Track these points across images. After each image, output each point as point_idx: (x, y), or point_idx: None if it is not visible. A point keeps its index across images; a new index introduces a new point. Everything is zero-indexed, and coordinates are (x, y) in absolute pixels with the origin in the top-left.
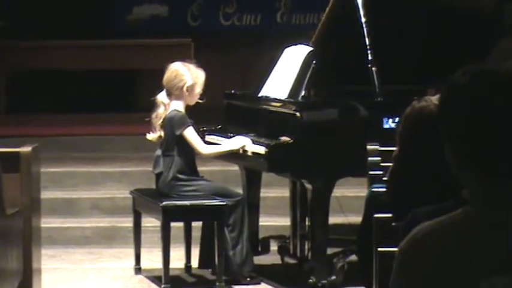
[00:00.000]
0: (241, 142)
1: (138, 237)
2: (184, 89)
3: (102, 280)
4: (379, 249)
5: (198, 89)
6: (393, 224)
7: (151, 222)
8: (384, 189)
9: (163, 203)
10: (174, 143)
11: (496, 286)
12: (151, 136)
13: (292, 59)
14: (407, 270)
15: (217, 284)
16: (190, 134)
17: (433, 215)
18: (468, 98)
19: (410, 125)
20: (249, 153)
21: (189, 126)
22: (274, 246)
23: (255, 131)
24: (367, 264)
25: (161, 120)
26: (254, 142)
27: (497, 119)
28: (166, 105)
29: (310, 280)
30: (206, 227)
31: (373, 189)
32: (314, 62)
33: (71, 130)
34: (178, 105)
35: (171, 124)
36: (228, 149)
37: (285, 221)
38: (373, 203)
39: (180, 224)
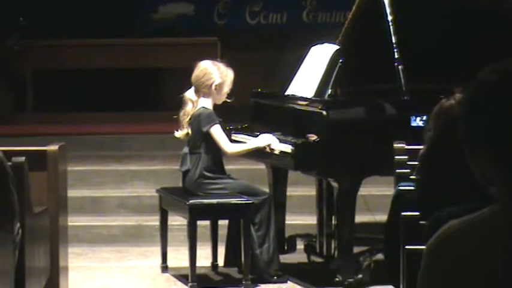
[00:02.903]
0: (267, 140)
1: (165, 236)
2: (213, 87)
3: (129, 278)
4: (407, 247)
5: (226, 88)
6: (420, 222)
7: (177, 221)
8: (411, 188)
9: (190, 201)
10: (201, 140)
11: None
12: (179, 134)
13: (319, 58)
14: (436, 267)
15: (243, 282)
16: (216, 131)
17: (459, 215)
18: (497, 95)
19: (438, 124)
20: (276, 152)
21: (216, 124)
22: (300, 245)
23: (281, 130)
24: (394, 263)
25: (189, 117)
26: (280, 141)
27: None
28: (194, 103)
29: (337, 279)
30: (232, 225)
31: (400, 188)
32: (340, 60)
33: (97, 129)
34: (207, 103)
35: (199, 121)
36: (254, 147)
37: (311, 220)
38: (400, 201)
39: (207, 223)
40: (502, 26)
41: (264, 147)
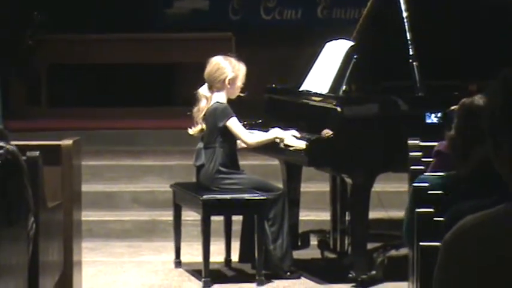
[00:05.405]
0: (287, 132)
1: (178, 231)
2: (226, 81)
3: (142, 273)
4: (421, 243)
5: (239, 82)
6: (435, 219)
7: (191, 216)
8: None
9: (204, 196)
10: (217, 135)
11: None
12: (192, 130)
13: (333, 54)
14: (452, 262)
15: (257, 278)
16: (234, 124)
17: (477, 209)
18: None
19: (460, 122)
20: (290, 148)
21: (232, 116)
22: (314, 241)
23: (295, 126)
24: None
25: (203, 113)
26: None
27: None
28: (208, 99)
29: (350, 275)
30: (246, 221)
31: (415, 185)
32: (355, 56)
33: (111, 123)
34: (221, 98)
35: (214, 116)
36: (273, 137)
37: (325, 216)
38: (416, 197)
39: (220, 218)
40: None
41: (282, 140)
